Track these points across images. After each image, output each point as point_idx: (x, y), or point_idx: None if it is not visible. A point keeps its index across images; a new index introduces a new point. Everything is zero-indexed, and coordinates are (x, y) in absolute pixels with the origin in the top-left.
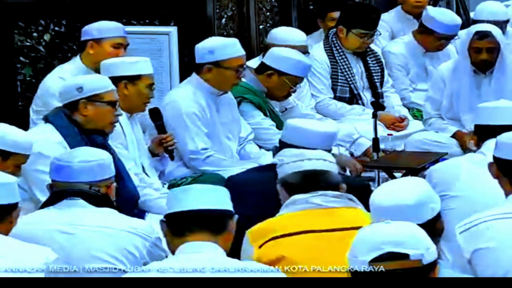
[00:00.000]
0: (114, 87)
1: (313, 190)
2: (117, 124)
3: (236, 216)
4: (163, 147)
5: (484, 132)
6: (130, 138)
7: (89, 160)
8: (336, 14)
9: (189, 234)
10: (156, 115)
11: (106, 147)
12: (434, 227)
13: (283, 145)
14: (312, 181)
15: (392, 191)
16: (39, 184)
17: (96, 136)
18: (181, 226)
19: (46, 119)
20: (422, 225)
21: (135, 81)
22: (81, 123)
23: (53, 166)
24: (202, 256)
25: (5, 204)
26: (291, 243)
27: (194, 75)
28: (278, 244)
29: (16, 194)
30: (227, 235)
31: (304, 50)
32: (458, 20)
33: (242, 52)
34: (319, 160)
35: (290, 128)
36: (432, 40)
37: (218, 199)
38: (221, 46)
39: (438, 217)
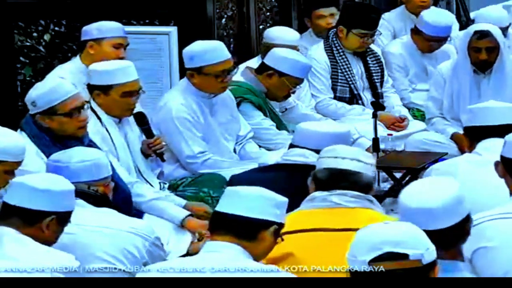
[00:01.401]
0: (72, 94)
1: (337, 189)
2: (103, 132)
3: (273, 227)
4: (152, 150)
5: (475, 134)
6: (120, 145)
7: (86, 159)
8: (322, 11)
9: (216, 234)
10: (141, 119)
11: (92, 147)
12: (463, 229)
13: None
14: (338, 179)
15: (420, 192)
16: None
17: (71, 142)
18: (212, 225)
19: (21, 127)
20: (452, 228)
21: (107, 91)
22: (51, 131)
23: (49, 168)
24: (217, 255)
25: (35, 209)
26: (300, 240)
27: (185, 79)
28: (286, 240)
29: (53, 202)
30: (257, 243)
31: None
32: (447, 23)
33: (223, 57)
34: (353, 160)
35: (301, 131)
36: (422, 40)
37: (259, 207)
38: (199, 53)
39: (468, 218)
